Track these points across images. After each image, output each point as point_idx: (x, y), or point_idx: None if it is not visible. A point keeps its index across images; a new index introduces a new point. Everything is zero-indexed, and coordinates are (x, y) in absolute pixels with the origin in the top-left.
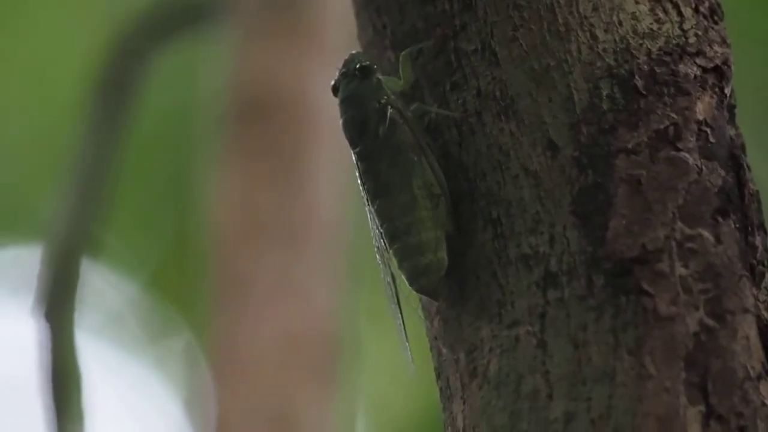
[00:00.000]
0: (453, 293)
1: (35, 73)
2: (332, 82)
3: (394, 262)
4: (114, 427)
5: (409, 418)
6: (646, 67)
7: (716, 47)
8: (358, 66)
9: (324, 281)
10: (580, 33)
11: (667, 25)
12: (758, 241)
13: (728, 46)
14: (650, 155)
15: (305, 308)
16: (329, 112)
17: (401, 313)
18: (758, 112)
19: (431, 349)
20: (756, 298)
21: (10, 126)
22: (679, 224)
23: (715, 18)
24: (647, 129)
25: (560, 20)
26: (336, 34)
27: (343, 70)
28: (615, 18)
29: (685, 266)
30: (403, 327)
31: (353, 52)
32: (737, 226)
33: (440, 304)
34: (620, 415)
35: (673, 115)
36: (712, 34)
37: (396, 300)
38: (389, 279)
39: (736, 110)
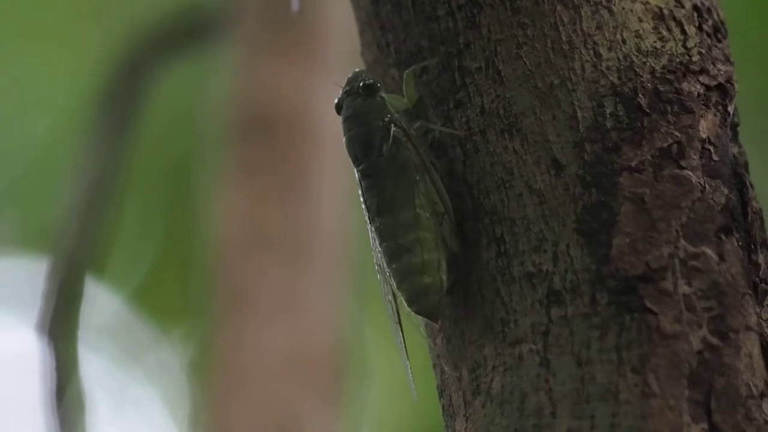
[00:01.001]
0: (456, 311)
1: (40, 85)
2: (336, 100)
3: (394, 282)
4: None
5: None
6: (649, 85)
7: (720, 65)
8: (362, 84)
9: (327, 296)
10: (583, 51)
11: (671, 43)
12: (761, 259)
13: (732, 64)
14: (654, 173)
15: (309, 323)
16: (332, 128)
17: (402, 331)
18: (759, 128)
19: (434, 366)
20: (759, 316)
21: (14, 136)
22: (683, 242)
23: (719, 36)
24: (651, 147)
25: (564, 38)
26: (339, 50)
27: (347, 87)
28: (619, 36)
29: (689, 284)
30: (404, 346)
31: (357, 70)
32: (741, 244)
33: (439, 324)
34: None
35: (677, 133)
36: (715, 52)
37: (397, 318)
38: (390, 297)
39: (739, 128)
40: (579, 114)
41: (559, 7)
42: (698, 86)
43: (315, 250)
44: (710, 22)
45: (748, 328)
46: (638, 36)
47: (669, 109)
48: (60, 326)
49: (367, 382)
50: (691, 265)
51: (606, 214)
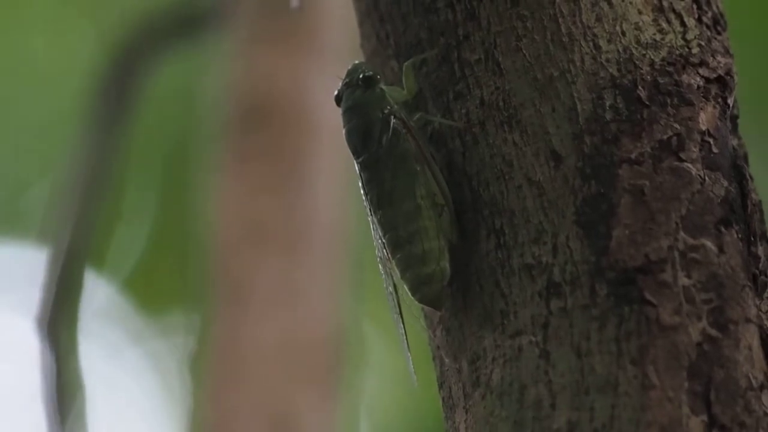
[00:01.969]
0: (456, 303)
1: (38, 75)
2: (336, 92)
3: (396, 272)
4: None
5: (411, 427)
6: (649, 77)
7: (719, 57)
8: (361, 76)
9: (325, 286)
10: (583, 43)
11: (671, 36)
12: (761, 251)
13: (731, 56)
14: (653, 165)
15: (306, 313)
16: (329, 118)
17: (403, 322)
18: (758, 120)
19: (434, 358)
20: (758, 308)
21: (11, 126)
22: (682, 234)
23: (719, 28)
24: (650, 139)
25: (564, 30)
26: (336, 40)
27: (347, 79)
28: (618, 28)
29: (688, 276)
30: (405, 337)
31: (356, 61)
32: (740, 236)
33: (443, 313)
34: (623, 425)
35: (677, 125)
36: (715, 44)
37: (398, 310)
38: (391, 289)
39: (739, 120)
40: (578, 106)
41: None
42: (698, 78)
43: (312, 241)
44: (710, 14)
45: (748, 320)
46: (638, 28)
47: (668, 101)
48: (60, 318)
49: (365, 373)
50: (691, 257)
51: (605, 206)
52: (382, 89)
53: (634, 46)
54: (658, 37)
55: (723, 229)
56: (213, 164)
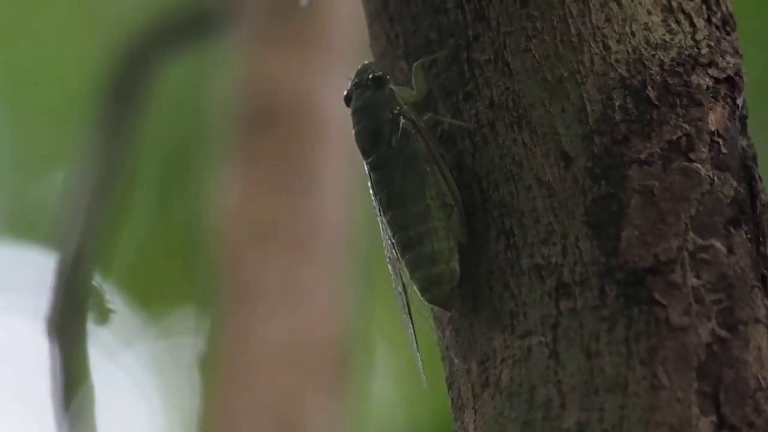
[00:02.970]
0: (465, 303)
1: (44, 76)
2: (345, 92)
3: (406, 273)
4: None
5: (420, 428)
6: (658, 77)
7: (728, 58)
8: (371, 76)
9: (332, 287)
10: (593, 44)
11: (680, 36)
12: None
13: (740, 56)
14: (663, 166)
15: (313, 314)
16: (337, 118)
17: (412, 323)
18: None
19: (443, 359)
20: None
21: (18, 128)
22: (692, 235)
23: (728, 28)
24: (660, 140)
25: (573, 31)
26: (343, 40)
27: (356, 80)
28: (628, 29)
29: (698, 277)
30: (414, 337)
31: (366, 62)
32: (749, 236)
33: (452, 314)
34: (633, 425)
35: (686, 125)
36: (724, 44)
37: (407, 310)
38: (400, 289)
39: (748, 120)
40: (588, 106)
41: (568, 0)
42: (707, 79)
43: (319, 241)
44: (719, 14)
45: (757, 321)
46: (647, 28)
47: (678, 101)
48: (68, 322)
49: (373, 374)
50: (700, 258)
51: (615, 207)
52: (391, 90)
53: (643, 47)
54: (667, 37)
55: (732, 230)
56: (220, 165)
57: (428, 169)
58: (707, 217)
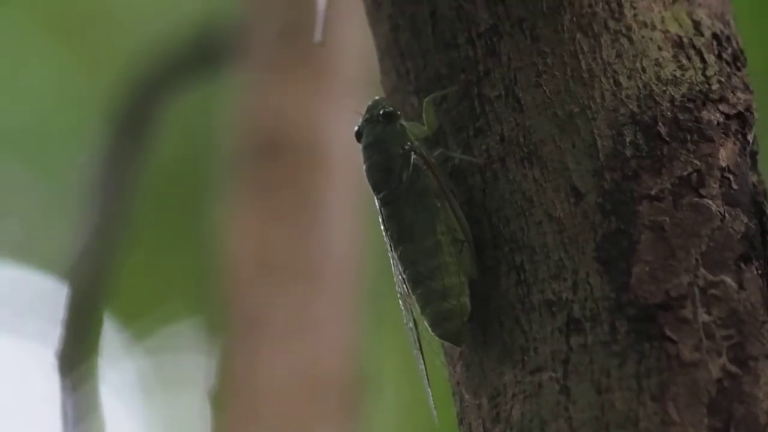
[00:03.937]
0: (476, 339)
1: (52, 107)
2: (356, 128)
3: (417, 308)
4: None
5: None
6: (669, 113)
7: (739, 93)
8: (381, 112)
9: (340, 319)
10: (603, 79)
11: (690, 72)
12: None
13: (751, 92)
14: (674, 202)
15: (321, 346)
16: (343, 151)
17: (423, 358)
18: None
19: (453, 394)
20: None
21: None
22: (703, 271)
23: (738, 64)
24: (670, 175)
25: (584, 66)
26: (350, 73)
27: (367, 115)
28: (638, 64)
29: (708, 312)
30: (425, 372)
31: (377, 97)
32: (760, 272)
33: (463, 349)
34: None
35: (697, 161)
36: (734, 80)
37: (418, 345)
38: (411, 325)
39: (758, 156)
40: (599, 142)
41: (578, 36)
42: (718, 115)
43: (326, 272)
44: (729, 50)
45: (767, 357)
46: (658, 64)
47: (688, 137)
48: (78, 354)
49: (383, 407)
50: (711, 294)
51: (625, 242)
52: (402, 125)
53: (654, 83)
54: (678, 73)
55: (743, 266)
56: (227, 196)
57: (439, 204)
58: (718, 253)
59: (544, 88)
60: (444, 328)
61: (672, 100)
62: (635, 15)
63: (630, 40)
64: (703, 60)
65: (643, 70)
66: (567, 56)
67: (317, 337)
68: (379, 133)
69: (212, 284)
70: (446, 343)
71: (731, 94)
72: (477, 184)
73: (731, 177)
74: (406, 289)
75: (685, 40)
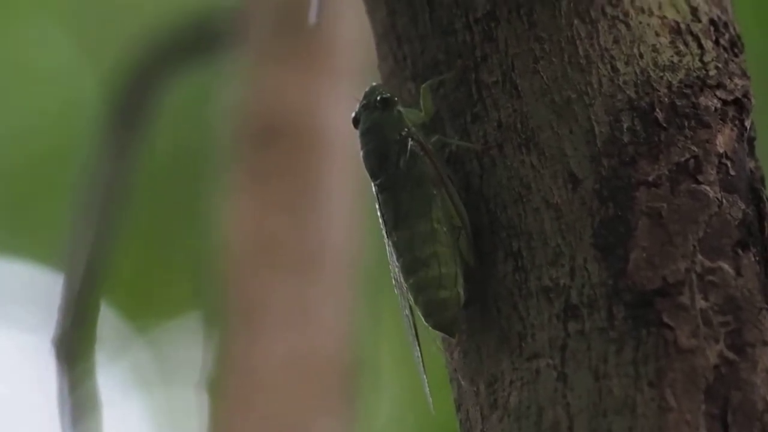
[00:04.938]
0: (473, 325)
1: (50, 95)
2: (353, 114)
3: (411, 296)
4: None
5: None
6: (666, 99)
7: (736, 79)
8: (378, 98)
9: (338, 306)
10: (600, 65)
11: (688, 58)
12: None
13: (748, 78)
14: (671, 188)
15: (319, 333)
16: (342, 137)
17: (419, 345)
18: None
19: (451, 381)
20: None
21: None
22: (700, 257)
23: (735, 50)
24: (668, 161)
25: (581, 53)
26: (348, 59)
27: (364, 101)
28: (636, 50)
29: (706, 299)
30: (421, 359)
31: (374, 83)
32: (757, 258)
33: (460, 336)
34: None
35: (694, 147)
36: (732, 66)
37: (414, 332)
38: (407, 311)
39: (756, 142)
40: (596, 128)
41: (576, 22)
42: (715, 101)
43: (325, 259)
44: (727, 36)
45: (765, 343)
46: (655, 50)
47: (686, 123)
48: (76, 340)
49: (379, 394)
50: (708, 280)
51: (623, 229)
52: (399, 111)
53: (651, 68)
54: (675, 59)
55: (740, 252)
56: (225, 183)
57: (435, 191)
58: (715, 239)
59: (542, 73)
60: (437, 318)
61: (669, 86)
62: (633, 1)
63: (627, 26)
64: (700, 46)
65: (641, 55)
66: (564, 42)
67: (315, 325)
68: (376, 119)
69: (210, 271)
70: None
71: (729, 79)
72: (474, 170)
73: (729, 163)
74: (400, 277)
75: (683, 25)
